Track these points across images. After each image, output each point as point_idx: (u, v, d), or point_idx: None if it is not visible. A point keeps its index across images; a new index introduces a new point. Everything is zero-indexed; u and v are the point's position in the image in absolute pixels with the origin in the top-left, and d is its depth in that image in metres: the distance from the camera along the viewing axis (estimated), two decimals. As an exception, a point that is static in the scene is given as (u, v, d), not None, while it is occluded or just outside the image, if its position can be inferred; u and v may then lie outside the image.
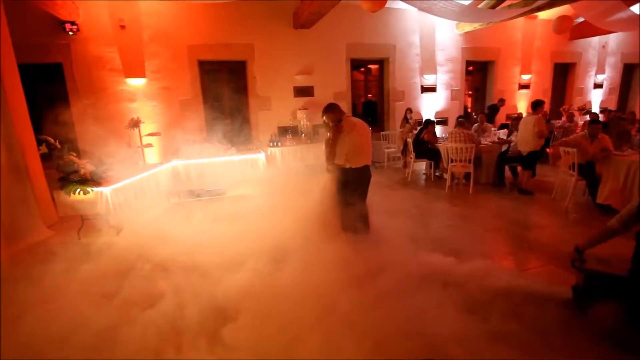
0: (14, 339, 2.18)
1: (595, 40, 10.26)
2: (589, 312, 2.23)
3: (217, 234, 3.67)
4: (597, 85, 10.81)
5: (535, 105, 5.57)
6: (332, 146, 3.30)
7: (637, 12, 6.83)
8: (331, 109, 3.37)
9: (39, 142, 4.37)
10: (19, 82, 4.47)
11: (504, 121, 9.09)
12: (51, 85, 6.13)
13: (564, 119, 8.72)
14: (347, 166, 3.30)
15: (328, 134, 3.38)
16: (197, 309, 2.42)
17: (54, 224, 4.66)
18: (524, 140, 5.49)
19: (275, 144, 6.90)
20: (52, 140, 4.29)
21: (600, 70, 10.68)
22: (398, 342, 2.07)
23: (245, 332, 2.17)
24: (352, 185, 3.33)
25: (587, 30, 9.22)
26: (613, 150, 4.67)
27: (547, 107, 9.86)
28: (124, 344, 2.15)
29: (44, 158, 4.47)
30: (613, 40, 10.50)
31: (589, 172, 4.67)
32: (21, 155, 4.29)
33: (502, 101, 8.99)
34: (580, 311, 2.30)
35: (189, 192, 5.77)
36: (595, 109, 10.54)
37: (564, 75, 10.56)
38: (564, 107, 9.66)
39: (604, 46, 10.49)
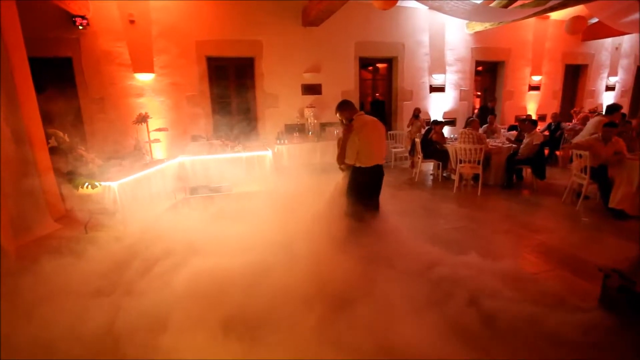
0: (21, 332, 2.19)
1: (609, 41, 10.09)
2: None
3: (220, 231, 3.64)
4: (609, 88, 10.63)
5: (610, 109, 5.45)
6: (342, 146, 3.24)
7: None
8: (344, 106, 3.33)
9: (48, 136, 4.39)
10: (29, 76, 4.49)
11: (512, 122, 8.98)
12: (60, 79, 6.16)
13: (574, 121, 8.58)
14: (358, 165, 3.25)
15: (338, 132, 3.34)
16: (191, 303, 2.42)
17: (61, 217, 4.68)
18: (582, 137, 5.44)
19: (282, 141, 6.88)
20: (61, 134, 4.31)
21: (613, 72, 10.50)
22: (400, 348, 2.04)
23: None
24: (363, 184, 3.27)
25: (601, 31, 9.05)
26: (626, 153, 4.58)
27: (557, 109, 9.76)
28: (120, 337, 2.17)
29: (53, 151, 4.49)
30: (627, 42, 10.32)
31: (601, 176, 4.58)
32: (30, 149, 4.31)
33: (493, 101, 8.73)
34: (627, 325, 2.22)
35: (196, 188, 5.77)
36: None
37: (575, 77, 10.40)
38: (574, 109, 9.52)
39: (617, 48, 10.30)
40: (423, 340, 2.08)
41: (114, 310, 2.42)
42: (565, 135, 7.77)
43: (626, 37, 9.87)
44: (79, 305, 2.47)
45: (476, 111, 9.40)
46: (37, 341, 2.12)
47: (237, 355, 2.01)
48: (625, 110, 10.28)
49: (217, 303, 2.40)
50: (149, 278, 2.82)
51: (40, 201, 4.36)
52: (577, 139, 5.47)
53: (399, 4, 6.05)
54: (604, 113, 5.62)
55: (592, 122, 5.62)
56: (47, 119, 4.59)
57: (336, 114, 3.38)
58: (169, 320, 2.27)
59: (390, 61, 8.35)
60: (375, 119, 3.34)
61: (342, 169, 3.37)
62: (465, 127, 6.03)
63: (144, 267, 2.99)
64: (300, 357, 1.98)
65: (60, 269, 2.97)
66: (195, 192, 5.75)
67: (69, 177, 4.03)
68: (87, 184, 3.94)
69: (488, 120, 7.55)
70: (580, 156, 4.72)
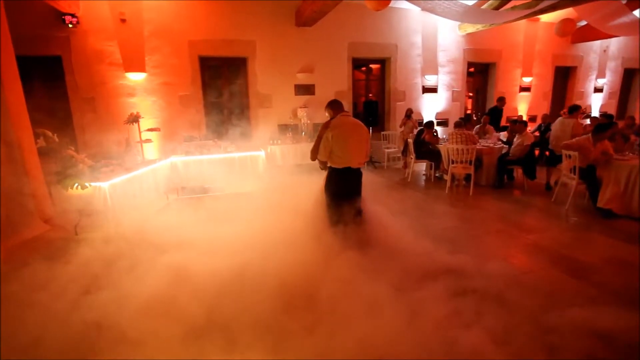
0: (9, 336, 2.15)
1: (597, 44, 10.28)
2: None
3: (208, 233, 3.63)
4: (598, 89, 10.84)
5: (572, 109, 5.92)
6: (316, 141, 3.23)
7: (640, 17, 6.84)
8: (332, 105, 3.34)
9: (37, 136, 4.32)
10: (17, 75, 4.41)
11: (503, 123, 9.07)
12: (50, 78, 6.06)
13: (564, 122, 8.70)
14: (330, 165, 3.24)
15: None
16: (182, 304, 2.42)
17: (50, 218, 4.60)
18: (559, 141, 5.63)
19: (275, 142, 6.86)
20: (50, 134, 4.24)
21: (601, 74, 10.70)
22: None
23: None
24: (334, 185, 3.24)
25: (589, 34, 9.23)
26: (613, 154, 4.66)
27: (547, 110, 9.91)
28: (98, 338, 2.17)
29: (42, 152, 4.41)
30: (614, 44, 10.53)
31: (589, 176, 4.66)
32: (18, 149, 4.23)
33: (502, 100, 8.47)
34: None
35: (188, 188, 5.72)
36: (595, 113, 10.57)
37: (564, 78, 10.57)
38: (564, 110, 9.65)
39: (605, 50, 10.51)
40: (406, 342, 2.08)
41: (95, 311, 2.39)
42: (555, 136, 7.88)
43: (613, 40, 10.08)
44: (64, 306, 2.45)
45: (468, 111, 9.52)
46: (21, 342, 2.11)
47: (208, 355, 2.03)
48: (612, 111, 10.51)
49: (195, 303, 2.42)
50: (131, 278, 2.79)
51: (29, 202, 4.27)
52: (553, 140, 5.71)
53: (391, 5, 6.10)
54: (568, 113, 6.01)
55: (565, 122, 5.82)
56: (36, 119, 4.51)
57: (325, 112, 3.40)
58: (143, 320, 2.27)
59: (383, 62, 8.39)
60: (358, 122, 3.30)
61: (321, 168, 3.36)
62: (454, 128, 6.09)
63: (128, 268, 2.95)
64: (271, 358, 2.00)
65: (48, 271, 2.93)
66: (187, 192, 5.71)
67: (58, 177, 3.96)
68: (76, 184, 3.88)
69: (482, 120, 7.63)
70: (570, 156, 4.80)
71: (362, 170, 3.37)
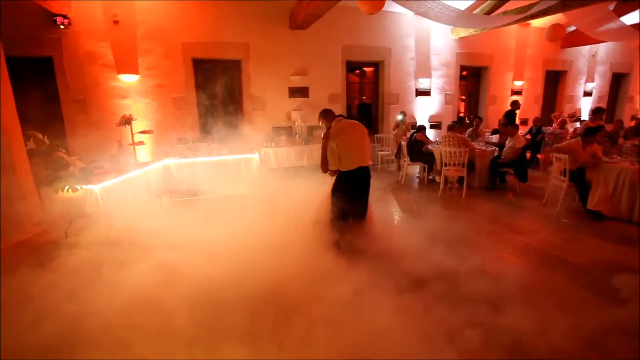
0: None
1: (586, 49, 10.48)
2: None
3: (199, 236, 3.61)
4: (587, 93, 11.04)
5: (593, 111, 6.37)
6: (322, 154, 3.28)
7: (627, 23, 6.99)
8: (323, 115, 3.42)
9: (26, 138, 4.25)
10: (7, 75, 4.34)
11: (495, 127, 9.17)
12: (40, 80, 5.98)
13: (555, 125, 8.84)
14: (341, 169, 3.27)
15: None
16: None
17: (40, 222, 4.53)
18: None
19: (269, 144, 6.85)
20: (40, 136, 4.18)
21: (590, 78, 10.91)
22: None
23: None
24: (347, 188, 3.27)
25: (578, 39, 9.40)
26: (602, 157, 4.74)
27: (538, 113, 10.05)
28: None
29: (32, 154, 4.34)
30: (603, 49, 10.75)
31: (579, 178, 4.73)
32: (7, 151, 4.15)
33: (516, 103, 8.50)
34: None
35: (180, 191, 5.68)
36: (585, 116, 10.75)
37: (555, 82, 10.75)
38: (554, 113, 9.82)
39: (594, 55, 10.72)
40: (396, 344, 2.09)
41: (85, 312, 2.38)
42: (546, 139, 8.00)
43: (602, 45, 10.29)
44: (55, 307, 2.43)
45: (461, 114, 9.61)
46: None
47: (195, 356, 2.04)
48: (601, 115, 10.67)
49: (182, 306, 2.41)
50: (119, 280, 2.77)
51: (18, 205, 4.19)
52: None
53: (385, 8, 6.13)
54: (590, 115, 6.38)
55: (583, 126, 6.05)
56: (26, 120, 4.44)
57: (319, 122, 3.47)
58: (129, 321, 2.27)
59: (377, 65, 8.44)
60: (354, 121, 3.36)
61: (330, 175, 3.38)
62: (447, 131, 6.14)
63: (115, 270, 2.93)
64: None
65: (37, 274, 2.88)
66: (179, 195, 5.66)
67: (49, 180, 3.91)
68: (67, 187, 3.83)
69: (474, 124, 7.72)
70: (560, 159, 4.87)
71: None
